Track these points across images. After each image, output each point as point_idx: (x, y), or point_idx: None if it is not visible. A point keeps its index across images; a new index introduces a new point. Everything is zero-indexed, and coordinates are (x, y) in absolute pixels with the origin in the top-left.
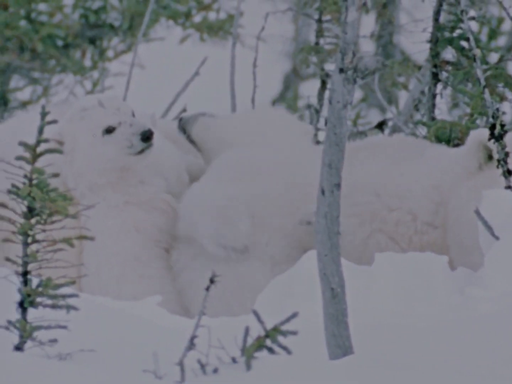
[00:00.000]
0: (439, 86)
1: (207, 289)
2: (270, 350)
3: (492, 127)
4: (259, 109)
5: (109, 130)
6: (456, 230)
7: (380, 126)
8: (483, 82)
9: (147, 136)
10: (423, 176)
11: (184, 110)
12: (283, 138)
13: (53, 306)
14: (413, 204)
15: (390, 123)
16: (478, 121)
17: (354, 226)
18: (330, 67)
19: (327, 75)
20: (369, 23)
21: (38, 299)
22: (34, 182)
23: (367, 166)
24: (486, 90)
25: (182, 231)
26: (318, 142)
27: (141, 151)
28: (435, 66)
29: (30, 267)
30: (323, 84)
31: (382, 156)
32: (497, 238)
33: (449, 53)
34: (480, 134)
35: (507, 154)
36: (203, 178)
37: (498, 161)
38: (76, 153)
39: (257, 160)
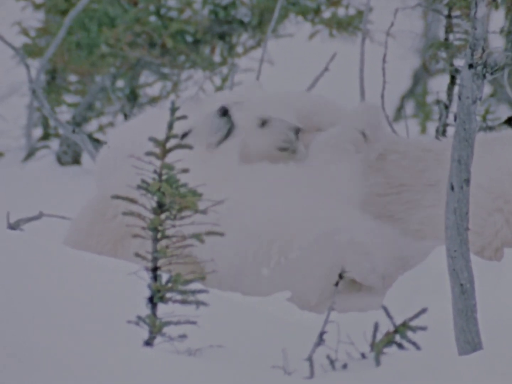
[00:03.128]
0: None
1: (336, 284)
2: (400, 346)
3: None
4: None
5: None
6: None
7: (509, 121)
8: None
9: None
10: None
11: None
12: None
13: (183, 302)
14: None
15: None
16: None
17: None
18: (459, 62)
19: (457, 70)
20: (498, 18)
21: (168, 295)
22: (164, 177)
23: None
24: None
25: None
26: None
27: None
28: None
29: (159, 262)
30: (453, 79)
31: None
32: None
33: None
34: None
35: None
36: None
37: None
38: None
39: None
